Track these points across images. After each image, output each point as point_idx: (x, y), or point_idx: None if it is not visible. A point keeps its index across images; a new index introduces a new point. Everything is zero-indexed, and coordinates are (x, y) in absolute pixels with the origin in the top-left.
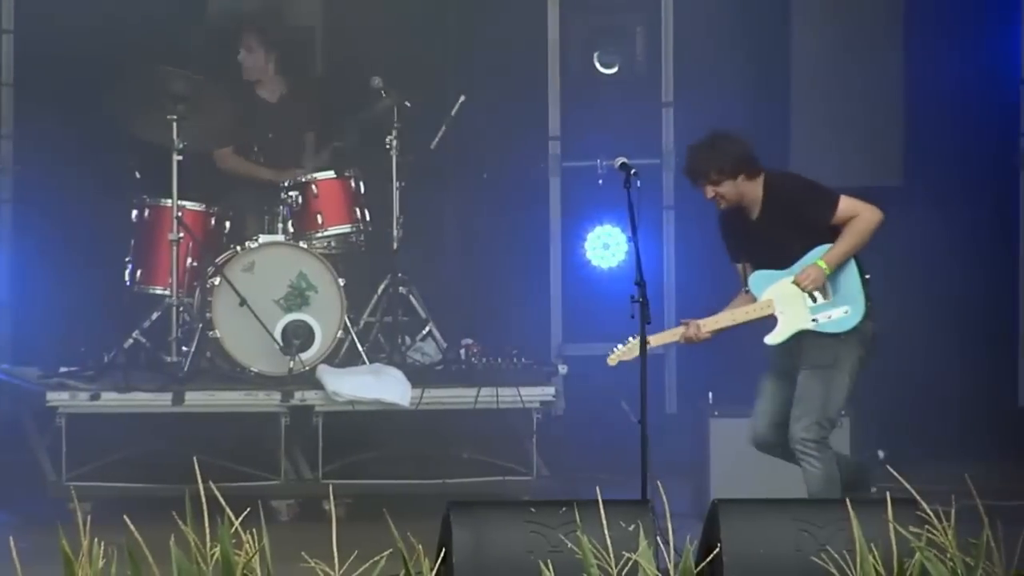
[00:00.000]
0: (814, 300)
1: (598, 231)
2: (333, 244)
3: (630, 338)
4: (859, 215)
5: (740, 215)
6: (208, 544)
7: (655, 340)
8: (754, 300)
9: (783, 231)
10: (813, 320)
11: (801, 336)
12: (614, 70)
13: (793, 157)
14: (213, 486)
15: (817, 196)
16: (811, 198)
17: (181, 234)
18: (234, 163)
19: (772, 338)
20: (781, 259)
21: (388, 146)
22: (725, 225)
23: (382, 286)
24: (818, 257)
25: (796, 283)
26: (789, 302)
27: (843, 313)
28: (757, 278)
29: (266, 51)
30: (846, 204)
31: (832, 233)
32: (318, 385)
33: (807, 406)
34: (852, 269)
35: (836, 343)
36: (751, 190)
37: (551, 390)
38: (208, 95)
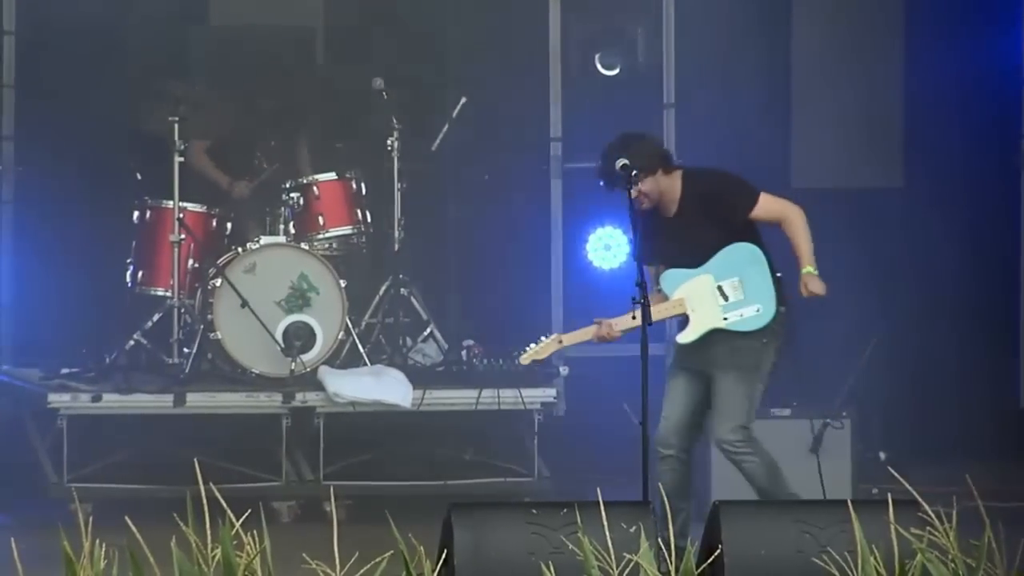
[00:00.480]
0: (725, 299)
1: (599, 232)
2: (334, 245)
3: (543, 337)
4: (789, 210)
5: (656, 215)
6: (209, 545)
7: (568, 339)
8: (665, 298)
9: (701, 227)
10: (724, 319)
11: (719, 337)
12: (616, 71)
13: (794, 159)
14: (214, 487)
15: (737, 189)
16: (732, 191)
17: (182, 235)
18: (201, 162)
19: (684, 337)
20: (695, 257)
21: (389, 147)
22: (641, 227)
23: (383, 287)
24: (727, 259)
25: (812, 293)
26: (700, 300)
27: (755, 311)
28: (669, 276)
29: None
30: (767, 199)
31: (748, 230)
32: (319, 386)
33: (731, 409)
34: (764, 268)
35: (757, 345)
36: (669, 186)
37: (552, 391)
38: (207, 98)
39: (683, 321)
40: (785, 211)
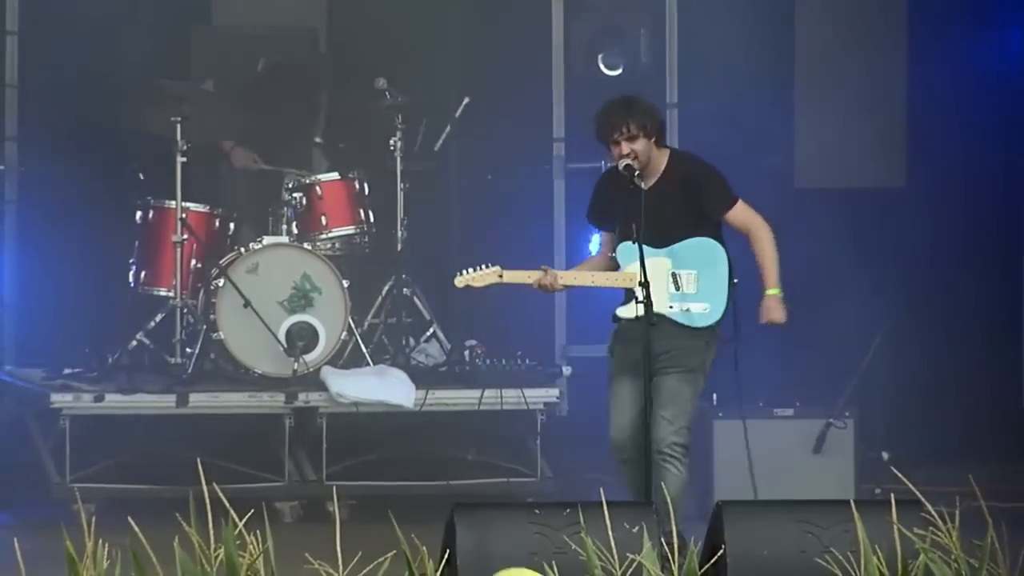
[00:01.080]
0: (677, 288)
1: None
2: (337, 246)
3: (483, 265)
4: (757, 225)
5: (629, 182)
6: (212, 546)
7: (508, 276)
8: (617, 268)
9: (672, 210)
10: (670, 307)
11: (661, 333)
12: (618, 72)
13: (798, 158)
14: (217, 488)
15: (719, 185)
16: (714, 184)
17: (185, 235)
18: (242, 156)
19: (623, 311)
20: (659, 238)
21: (392, 148)
22: (609, 187)
23: (386, 287)
24: (690, 250)
25: (771, 321)
26: (652, 281)
27: (702, 308)
28: (625, 249)
29: None
30: (744, 207)
31: (716, 231)
32: (322, 387)
33: (678, 410)
34: (723, 269)
35: (701, 345)
36: (657, 158)
37: (555, 391)
38: (209, 97)
39: (626, 297)
40: (758, 224)
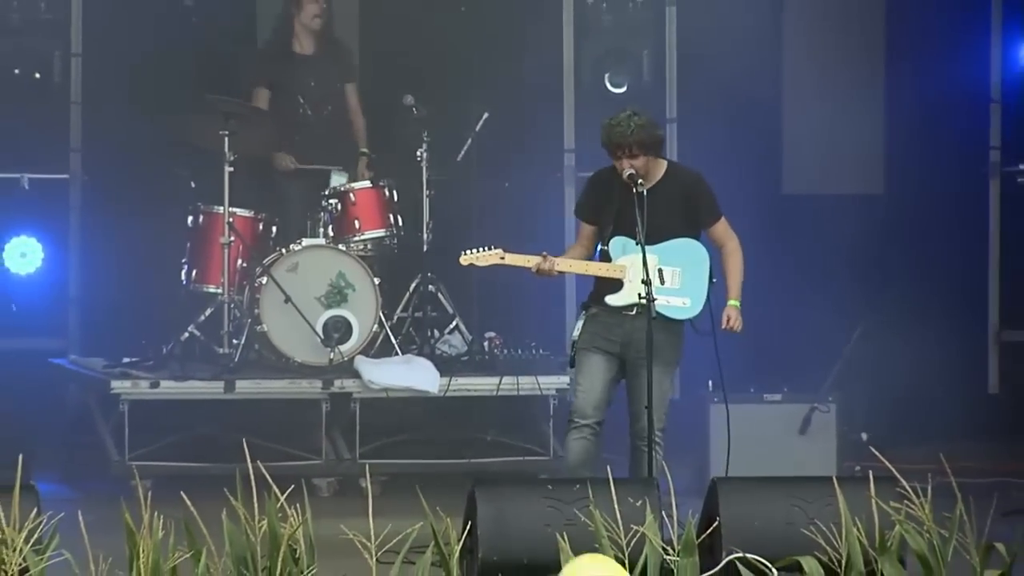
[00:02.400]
0: (662, 282)
1: None
2: (369, 247)
3: (487, 247)
4: (733, 243)
5: (626, 182)
6: (257, 518)
7: (509, 258)
8: (599, 258)
9: (665, 212)
10: (653, 299)
11: (642, 325)
12: (623, 89)
13: (785, 168)
14: (261, 466)
15: (710, 200)
16: (706, 197)
17: (232, 238)
18: (281, 159)
19: (613, 300)
20: (649, 236)
21: (419, 158)
22: (604, 186)
23: (413, 284)
24: (678, 249)
25: (730, 328)
26: (639, 274)
27: (681, 303)
28: (618, 243)
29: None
30: (725, 223)
31: (697, 234)
32: (355, 374)
33: (660, 400)
34: (704, 269)
35: (676, 340)
36: (655, 167)
37: (566, 379)
38: (254, 112)
39: (616, 286)
40: (734, 241)
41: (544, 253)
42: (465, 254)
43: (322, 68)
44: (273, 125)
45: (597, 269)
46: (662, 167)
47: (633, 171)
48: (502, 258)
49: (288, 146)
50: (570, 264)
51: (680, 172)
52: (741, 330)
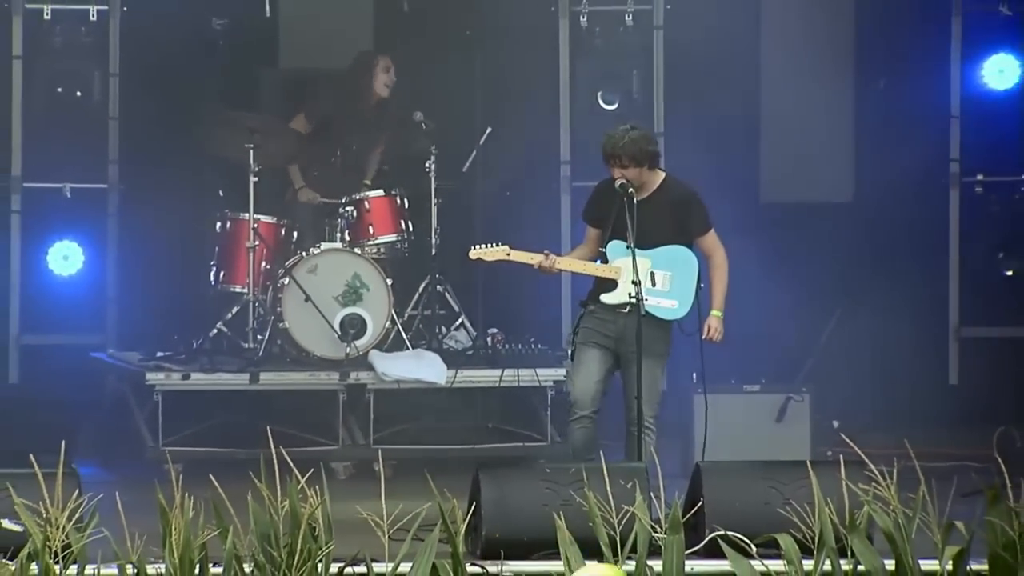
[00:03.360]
0: (653, 284)
1: None
2: (382, 250)
3: (494, 243)
4: (720, 254)
5: (624, 196)
6: (279, 498)
7: (515, 255)
8: (606, 261)
9: (659, 220)
10: (646, 299)
11: (634, 322)
12: (614, 106)
13: (763, 179)
14: (283, 451)
15: (702, 212)
16: (698, 209)
17: (256, 242)
18: (306, 194)
19: (607, 298)
20: (644, 240)
21: (427, 169)
22: (606, 194)
23: (422, 285)
24: (669, 255)
25: (710, 339)
26: (631, 275)
27: (670, 305)
28: (615, 247)
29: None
30: (714, 235)
31: (688, 239)
32: (370, 367)
33: (652, 390)
34: (693, 274)
35: (666, 336)
36: (650, 178)
37: (562, 371)
38: (276, 128)
39: (611, 286)
40: (720, 253)
41: (546, 251)
42: (474, 248)
43: (369, 129)
44: (294, 139)
45: (593, 269)
46: (658, 179)
47: (624, 180)
48: (508, 254)
49: (312, 180)
50: (569, 263)
51: (675, 185)
52: (721, 340)
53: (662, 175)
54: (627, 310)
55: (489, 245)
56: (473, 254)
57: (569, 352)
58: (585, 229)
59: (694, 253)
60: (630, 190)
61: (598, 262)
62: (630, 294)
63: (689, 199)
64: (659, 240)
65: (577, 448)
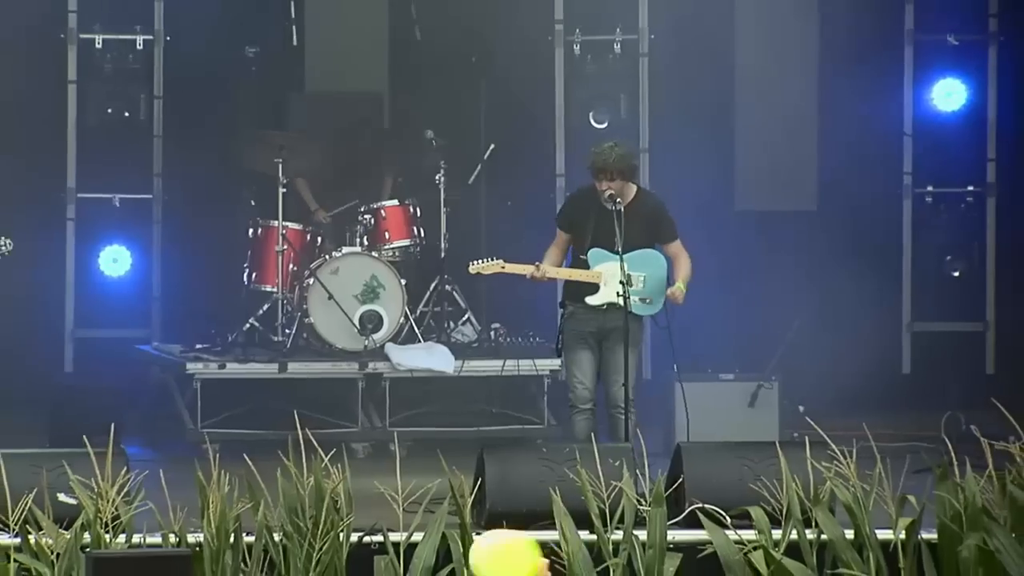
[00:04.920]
0: (629, 284)
1: None
2: (397, 253)
3: (490, 259)
4: (685, 259)
5: (600, 201)
6: (305, 475)
7: (509, 267)
8: (587, 266)
9: (634, 228)
10: (623, 298)
11: (616, 316)
12: (604, 125)
13: (736, 188)
14: (308, 433)
15: (672, 224)
16: (666, 220)
17: (285, 246)
18: (300, 188)
19: (592, 300)
20: (622, 246)
21: (437, 182)
22: (582, 203)
23: (433, 284)
24: (643, 259)
25: (673, 297)
26: (612, 278)
27: (645, 302)
28: (595, 254)
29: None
30: (679, 243)
31: (657, 244)
32: (386, 358)
33: (632, 375)
34: (664, 275)
35: (641, 329)
36: (627, 190)
37: (557, 361)
38: (302, 145)
39: (593, 289)
40: (684, 255)
41: (536, 263)
42: (472, 264)
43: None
44: (319, 155)
45: (579, 275)
46: (632, 190)
47: (612, 192)
48: (503, 267)
49: (322, 200)
50: (557, 272)
51: (647, 196)
52: (682, 302)
53: (635, 187)
54: (605, 308)
55: (486, 260)
56: (472, 269)
57: (557, 350)
58: (557, 233)
59: (664, 257)
60: (617, 200)
61: (568, 265)
62: (618, 293)
63: (660, 210)
64: (634, 245)
65: (582, 438)
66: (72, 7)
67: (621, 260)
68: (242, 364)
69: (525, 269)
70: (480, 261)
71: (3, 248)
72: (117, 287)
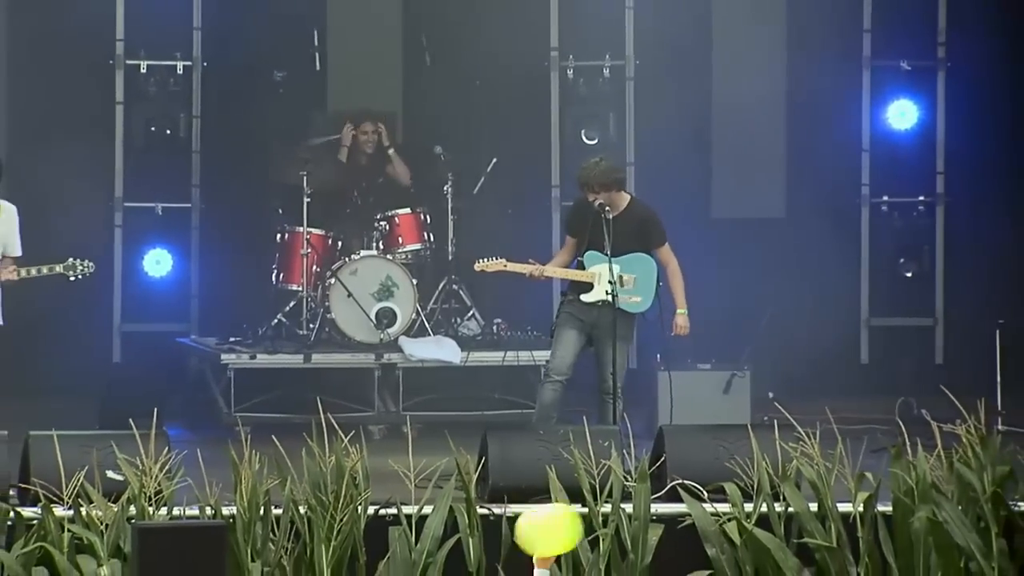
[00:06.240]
0: (621, 285)
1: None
2: (409, 256)
3: (494, 258)
4: (675, 263)
5: (596, 210)
6: (327, 454)
7: (511, 266)
8: (583, 267)
9: (626, 234)
10: (616, 296)
11: (609, 312)
12: (595, 141)
13: (713, 198)
14: (330, 416)
15: (660, 228)
16: (656, 226)
17: (309, 250)
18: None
19: (587, 297)
20: (614, 250)
21: (445, 192)
22: (582, 210)
23: (441, 284)
24: (633, 262)
25: (678, 333)
26: (604, 279)
27: (636, 300)
28: (591, 256)
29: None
30: (668, 248)
31: (648, 248)
32: (399, 350)
33: (621, 369)
34: (653, 276)
35: (632, 324)
36: (618, 199)
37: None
38: (325, 158)
39: (588, 288)
40: (674, 260)
41: (534, 262)
42: (478, 263)
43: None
44: (341, 169)
45: (574, 275)
46: (625, 200)
47: (601, 201)
48: (505, 266)
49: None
50: (555, 271)
51: (639, 206)
52: (688, 333)
53: (628, 197)
54: (600, 304)
55: (490, 259)
56: (477, 267)
57: (551, 331)
58: (564, 238)
59: (653, 258)
60: (607, 208)
61: (573, 265)
62: (607, 291)
63: (651, 217)
64: (626, 249)
65: (545, 405)
66: (120, 36)
67: (610, 262)
68: (271, 355)
69: (525, 268)
70: (485, 260)
71: (85, 269)
72: (159, 286)
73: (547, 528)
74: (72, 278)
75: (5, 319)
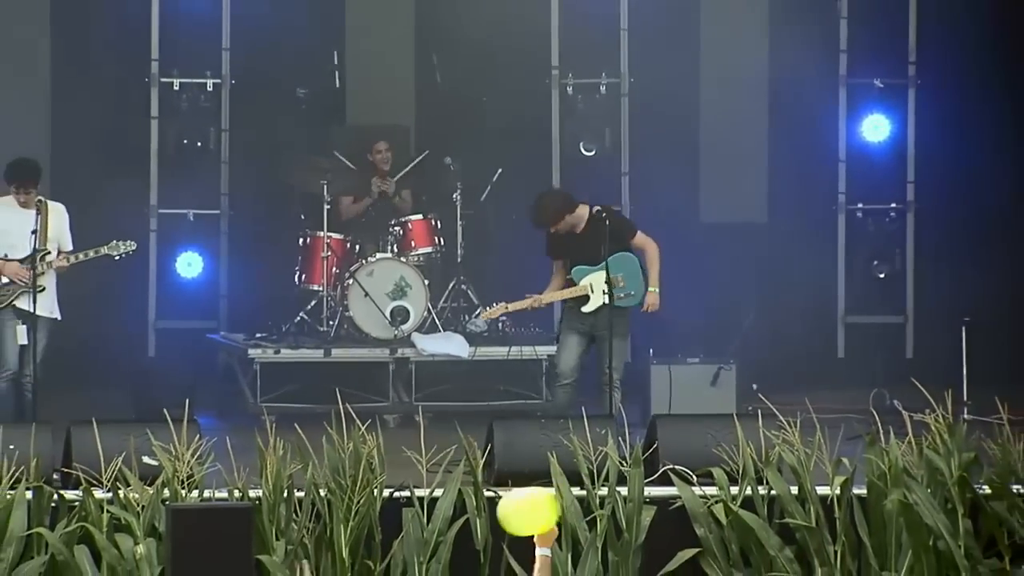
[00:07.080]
0: (613, 285)
1: None
2: (421, 259)
3: (495, 303)
4: (651, 246)
5: (569, 232)
6: (345, 441)
7: (512, 306)
8: (573, 284)
9: (598, 240)
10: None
11: (606, 311)
12: (592, 153)
13: (701, 204)
14: (348, 406)
15: (625, 222)
16: (624, 222)
17: (329, 253)
18: (345, 205)
19: (586, 307)
20: (594, 258)
21: (455, 200)
22: (555, 235)
23: (451, 284)
24: (616, 262)
25: (647, 310)
26: (597, 286)
27: (628, 296)
28: (578, 271)
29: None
30: (641, 234)
31: (627, 247)
32: (412, 345)
33: (619, 360)
34: (639, 271)
35: (627, 319)
36: (576, 218)
37: (553, 348)
38: (343, 168)
39: (585, 299)
40: (651, 244)
41: (531, 295)
42: (484, 310)
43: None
44: (358, 178)
45: (569, 294)
46: (584, 216)
47: (559, 229)
48: (507, 307)
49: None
50: (551, 296)
51: (598, 213)
52: (658, 309)
53: (585, 208)
54: (604, 312)
55: (491, 306)
56: (485, 316)
57: (557, 337)
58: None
59: (632, 254)
60: (604, 215)
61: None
62: (604, 291)
63: (615, 216)
64: (604, 256)
65: (561, 405)
66: (154, 56)
67: (606, 268)
68: (294, 350)
69: (524, 303)
70: (487, 308)
71: (127, 248)
72: (191, 286)
73: (525, 510)
74: (116, 257)
75: None
